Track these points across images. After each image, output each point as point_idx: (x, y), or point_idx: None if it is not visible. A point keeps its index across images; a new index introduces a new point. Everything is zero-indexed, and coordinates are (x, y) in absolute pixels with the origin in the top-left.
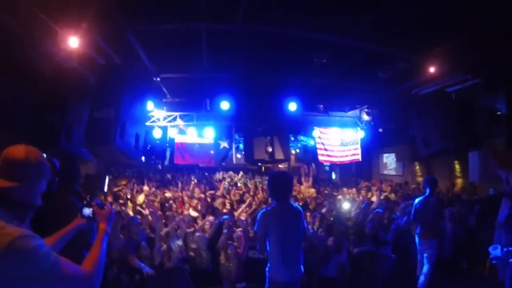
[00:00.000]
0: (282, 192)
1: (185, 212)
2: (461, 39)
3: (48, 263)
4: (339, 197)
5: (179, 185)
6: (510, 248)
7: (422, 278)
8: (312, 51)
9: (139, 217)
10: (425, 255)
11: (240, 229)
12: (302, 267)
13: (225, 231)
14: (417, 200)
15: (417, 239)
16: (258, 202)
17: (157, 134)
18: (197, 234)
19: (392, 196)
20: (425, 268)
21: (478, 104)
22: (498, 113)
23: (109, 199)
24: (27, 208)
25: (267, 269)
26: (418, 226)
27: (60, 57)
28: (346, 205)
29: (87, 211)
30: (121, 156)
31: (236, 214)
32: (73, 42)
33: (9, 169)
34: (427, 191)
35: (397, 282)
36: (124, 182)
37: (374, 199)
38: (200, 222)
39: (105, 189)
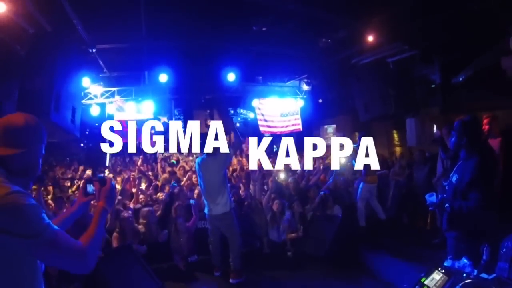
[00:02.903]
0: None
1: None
2: (399, 10)
3: (40, 223)
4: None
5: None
6: (445, 195)
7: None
8: (251, 17)
9: None
10: (371, 200)
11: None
12: (221, 207)
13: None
14: None
15: (361, 185)
16: None
17: (95, 111)
18: (146, 209)
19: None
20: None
21: (415, 74)
22: (433, 86)
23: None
24: (30, 174)
25: None
26: (363, 172)
27: None
28: (282, 175)
29: (91, 188)
30: (57, 132)
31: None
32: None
33: (10, 136)
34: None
35: (344, 240)
36: (61, 171)
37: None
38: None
39: (107, 163)
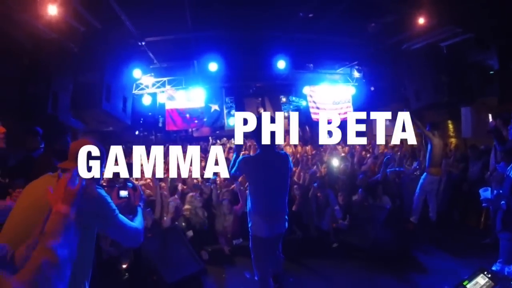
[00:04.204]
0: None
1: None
2: None
3: (113, 208)
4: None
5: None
6: (501, 191)
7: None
8: (297, 5)
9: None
10: (429, 194)
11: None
12: (285, 221)
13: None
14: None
15: (424, 176)
16: None
17: (146, 101)
18: (190, 194)
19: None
20: (432, 204)
21: (470, 59)
22: (491, 72)
23: None
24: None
25: (249, 223)
26: (428, 163)
27: (40, 29)
28: (335, 162)
29: (123, 193)
30: (109, 119)
31: None
32: (52, 10)
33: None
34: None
35: (390, 233)
36: None
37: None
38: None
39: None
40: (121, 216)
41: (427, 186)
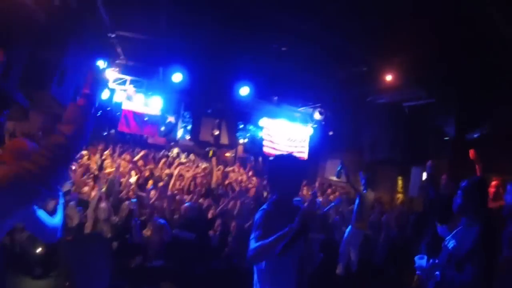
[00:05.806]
0: (297, 184)
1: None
2: (423, 53)
3: None
4: None
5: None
6: (437, 261)
7: (354, 266)
8: (273, 36)
9: None
10: (353, 246)
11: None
12: None
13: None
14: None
15: (349, 230)
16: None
17: (104, 95)
18: (102, 204)
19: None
20: (354, 256)
21: (429, 123)
22: (446, 138)
23: None
24: None
25: None
26: (354, 217)
27: None
28: None
29: None
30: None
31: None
32: None
33: None
34: (363, 187)
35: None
36: None
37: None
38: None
39: None
40: (41, 211)
41: (350, 239)
